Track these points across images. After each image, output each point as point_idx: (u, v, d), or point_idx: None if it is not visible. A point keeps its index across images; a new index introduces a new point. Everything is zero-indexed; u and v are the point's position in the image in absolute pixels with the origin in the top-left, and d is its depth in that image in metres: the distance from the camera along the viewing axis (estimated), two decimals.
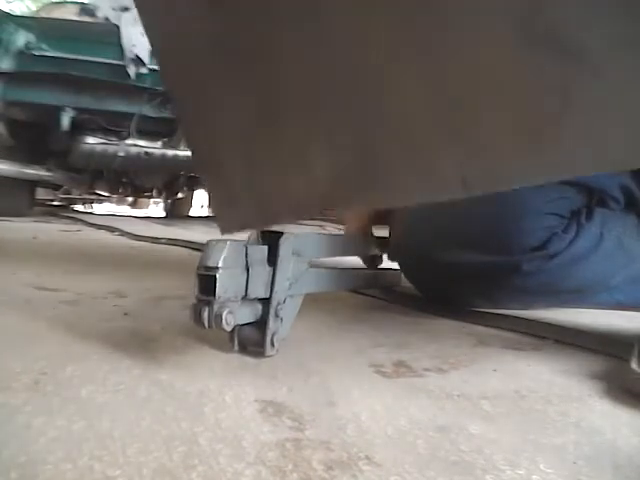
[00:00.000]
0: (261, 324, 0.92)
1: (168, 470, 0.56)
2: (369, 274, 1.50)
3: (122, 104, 4.46)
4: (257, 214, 0.82)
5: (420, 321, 1.32)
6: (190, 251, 2.59)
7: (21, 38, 4.13)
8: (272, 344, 0.93)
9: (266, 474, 0.56)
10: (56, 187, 6.31)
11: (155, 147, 4.85)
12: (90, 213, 7.17)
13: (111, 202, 8.84)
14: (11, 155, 4.53)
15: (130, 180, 5.76)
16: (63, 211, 6.36)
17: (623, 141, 0.60)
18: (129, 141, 4.71)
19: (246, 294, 0.87)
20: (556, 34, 0.59)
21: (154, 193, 6.41)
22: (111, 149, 4.70)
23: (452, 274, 1.37)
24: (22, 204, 4.88)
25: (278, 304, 0.93)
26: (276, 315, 0.93)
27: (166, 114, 4.54)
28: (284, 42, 0.70)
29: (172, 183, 6.01)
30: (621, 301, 1.41)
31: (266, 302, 0.92)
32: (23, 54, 4.13)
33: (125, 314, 1.21)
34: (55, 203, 7.77)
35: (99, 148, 4.67)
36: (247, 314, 0.90)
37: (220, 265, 0.80)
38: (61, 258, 2.28)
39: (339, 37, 0.66)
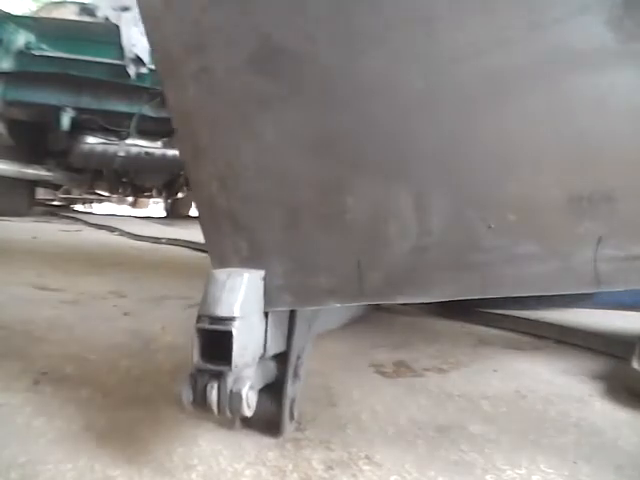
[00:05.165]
0: (275, 388, 0.64)
1: (168, 470, 0.56)
2: None
3: (122, 104, 4.46)
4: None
5: (420, 321, 1.32)
6: (190, 251, 2.59)
7: (21, 38, 4.14)
8: (292, 416, 0.67)
9: (266, 474, 0.56)
10: (56, 187, 6.32)
11: (155, 147, 4.85)
12: (90, 213, 7.17)
13: (111, 202, 8.84)
14: (11, 155, 4.54)
15: (130, 180, 5.76)
16: (63, 211, 6.36)
17: None
18: (129, 141, 4.71)
19: (264, 352, 0.58)
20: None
21: (154, 193, 6.41)
22: (111, 149, 4.71)
23: None
24: (22, 204, 4.89)
25: (298, 358, 0.65)
26: (296, 374, 0.64)
27: (166, 114, 4.54)
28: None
29: (172, 183, 6.01)
30: (623, 302, 1.41)
31: (281, 358, 0.64)
32: (23, 54, 4.14)
33: (125, 314, 1.21)
34: (55, 203, 7.78)
35: (99, 148, 4.68)
36: (260, 380, 0.61)
37: (236, 314, 0.51)
38: (61, 258, 2.27)
39: None
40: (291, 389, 0.63)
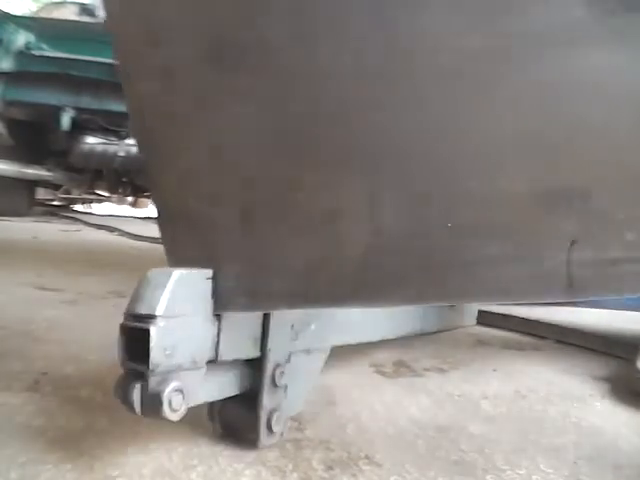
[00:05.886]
0: (252, 398, 0.60)
1: (168, 470, 0.56)
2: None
3: (122, 104, 4.45)
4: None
5: None
6: None
7: (21, 38, 4.15)
8: (270, 428, 0.60)
9: (266, 474, 0.56)
10: (56, 187, 6.32)
11: None
12: (90, 213, 7.17)
13: (111, 202, 8.84)
14: (11, 155, 4.54)
15: (130, 180, 5.76)
16: (63, 211, 6.36)
17: None
18: (129, 141, 4.71)
19: (216, 355, 0.55)
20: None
21: None
22: (111, 149, 4.71)
23: None
24: (22, 204, 4.90)
25: (277, 366, 0.61)
26: (274, 384, 0.61)
27: None
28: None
29: None
30: (628, 302, 1.40)
31: (257, 364, 0.60)
32: (23, 54, 4.15)
33: None
34: (55, 203, 7.78)
35: (99, 148, 4.68)
36: (222, 386, 0.58)
37: (159, 312, 0.49)
38: (61, 258, 2.27)
39: None
40: (268, 399, 0.60)
